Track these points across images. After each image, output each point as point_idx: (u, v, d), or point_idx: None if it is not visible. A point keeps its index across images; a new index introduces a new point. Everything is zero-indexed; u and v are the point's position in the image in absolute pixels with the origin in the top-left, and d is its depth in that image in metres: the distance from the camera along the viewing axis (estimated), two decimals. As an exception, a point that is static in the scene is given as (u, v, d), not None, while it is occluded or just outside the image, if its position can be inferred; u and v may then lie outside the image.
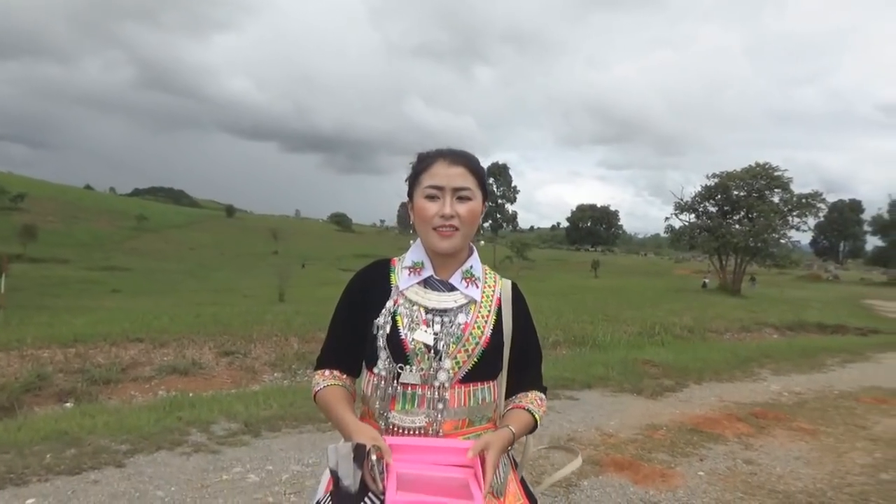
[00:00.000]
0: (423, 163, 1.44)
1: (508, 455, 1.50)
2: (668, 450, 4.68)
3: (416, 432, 1.38)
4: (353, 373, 1.51)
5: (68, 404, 6.85)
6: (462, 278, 1.47)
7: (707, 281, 39.58)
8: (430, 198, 1.40)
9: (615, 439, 4.90)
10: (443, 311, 1.43)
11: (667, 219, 37.78)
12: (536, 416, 1.49)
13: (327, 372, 1.48)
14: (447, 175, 1.40)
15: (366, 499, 1.18)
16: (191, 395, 6.48)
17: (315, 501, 1.38)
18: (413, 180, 1.45)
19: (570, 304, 18.81)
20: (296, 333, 10.54)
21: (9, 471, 3.49)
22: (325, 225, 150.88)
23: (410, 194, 1.47)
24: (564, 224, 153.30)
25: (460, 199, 1.40)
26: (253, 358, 9.30)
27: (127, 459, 3.84)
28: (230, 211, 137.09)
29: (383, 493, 1.15)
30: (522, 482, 1.53)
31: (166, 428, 4.50)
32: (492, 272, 1.56)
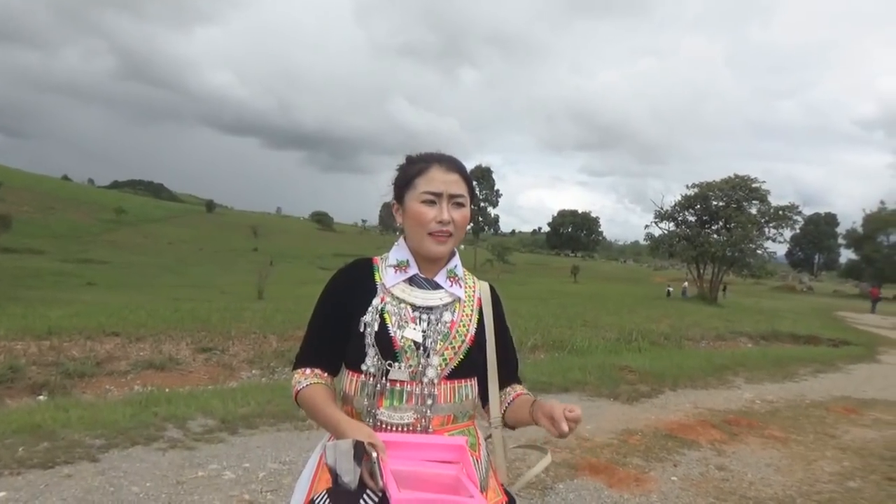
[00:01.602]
0: (418, 167, 1.46)
1: (488, 451, 1.53)
2: (642, 455, 4.74)
3: (405, 429, 1.39)
4: (334, 372, 1.51)
5: (42, 397, 6.72)
6: (447, 277, 1.50)
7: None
8: (427, 202, 1.42)
9: (591, 443, 4.95)
10: (429, 309, 1.45)
11: (647, 226, 37.99)
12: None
13: (308, 370, 1.48)
14: (444, 181, 1.43)
15: (364, 496, 1.19)
16: (167, 390, 6.42)
17: (309, 500, 1.35)
18: (406, 184, 1.47)
19: (550, 309, 18.89)
20: (275, 331, 10.46)
21: (-20, 463, 3.44)
22: (306, 223, 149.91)
23: (400, 197, 1.49)
24: (546, 229, 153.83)
25: (455, 205, 1.44)
26: (231, 355, 9.21)
27: (101, 454, 3.80)
28: (210, 206, 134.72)
29: (382, 491, 1.15)
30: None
31: (142, 423, 4.45)
32: (470, 274, 1.60)
